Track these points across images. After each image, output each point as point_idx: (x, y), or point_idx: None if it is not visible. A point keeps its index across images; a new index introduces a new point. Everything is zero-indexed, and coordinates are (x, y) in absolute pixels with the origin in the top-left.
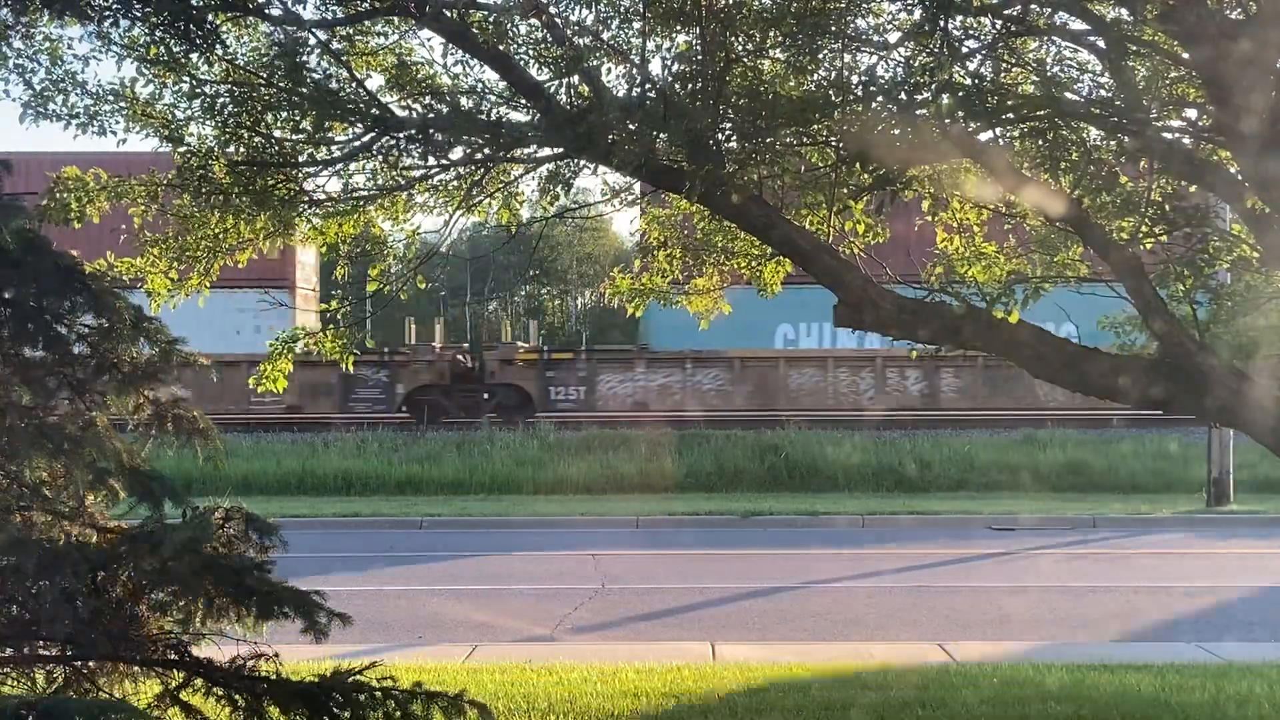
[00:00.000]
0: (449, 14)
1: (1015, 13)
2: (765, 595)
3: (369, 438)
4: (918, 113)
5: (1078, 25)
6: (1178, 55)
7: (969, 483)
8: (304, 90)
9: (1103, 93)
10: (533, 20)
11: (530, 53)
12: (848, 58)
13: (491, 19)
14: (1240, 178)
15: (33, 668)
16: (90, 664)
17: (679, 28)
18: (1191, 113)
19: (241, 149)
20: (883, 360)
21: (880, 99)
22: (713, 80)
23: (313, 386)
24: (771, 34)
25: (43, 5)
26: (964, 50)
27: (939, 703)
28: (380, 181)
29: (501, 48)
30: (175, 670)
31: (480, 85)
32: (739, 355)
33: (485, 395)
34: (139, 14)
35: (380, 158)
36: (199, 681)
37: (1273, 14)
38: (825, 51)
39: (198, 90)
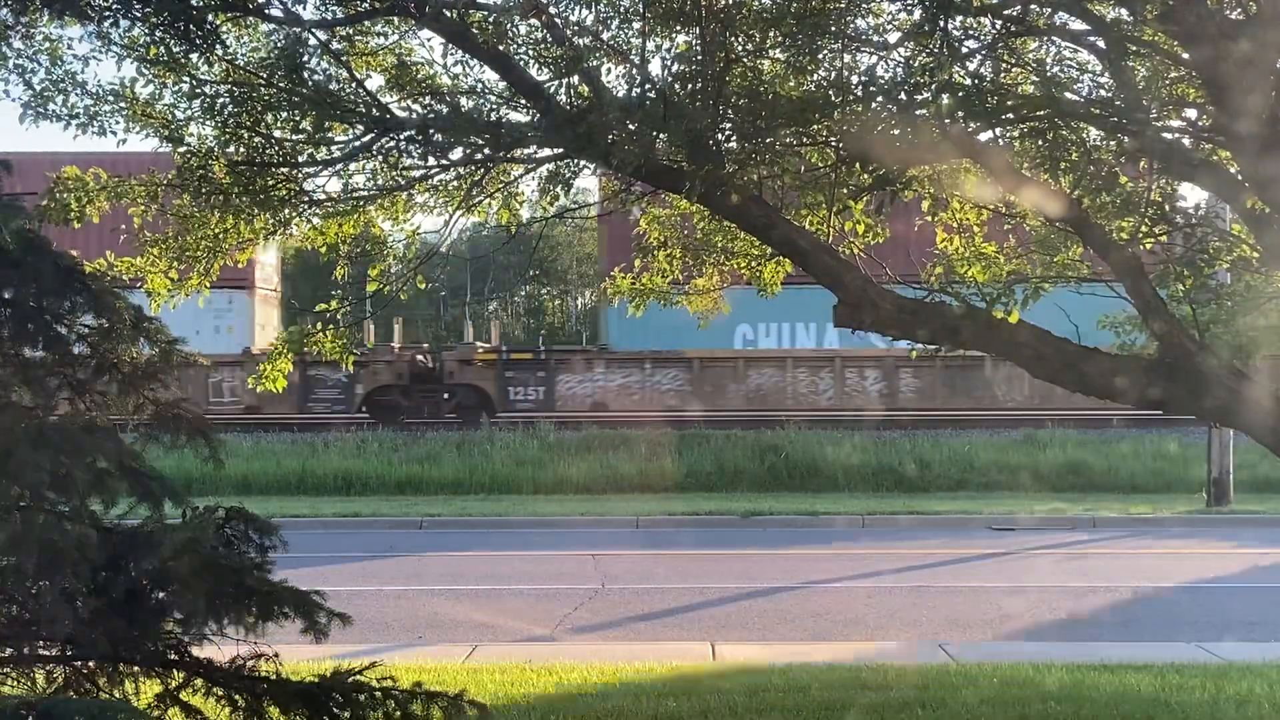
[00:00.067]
0: (449, 14)
1: (1015, 13)
2: (765, 595)
3: (369, 438)
4: (918, 113)
5: (1077, 25)
6: (1177, 55)
7: (969, 483)
8: (304, 90)
9: (1103, 93)
10: (533, 20)
11: (530, 53)
12: (847, 58)
13: (491, 19)
14: (1240, 178)
15: (33, 668)
16: (90, 664)
17: (679, 28)
18: (1191, 113)
19: (241, 149)
20: (841, 361)
21: (880, 99)
22: (712, 80)
23: None
24: (771, 34)
25: (43, 5)
26: (964, 50)
27: (939, 703)
28: (380, 181)
29: (501, 48)
30: (175, 670)
31: (480, 85)
32: (698, 355)
33: (445, 395)
34: (139, 14)
35: (380, 158)
36: (199, 682)
37: (1272, 14)
38: (825, 51)
39: (198, 90)
